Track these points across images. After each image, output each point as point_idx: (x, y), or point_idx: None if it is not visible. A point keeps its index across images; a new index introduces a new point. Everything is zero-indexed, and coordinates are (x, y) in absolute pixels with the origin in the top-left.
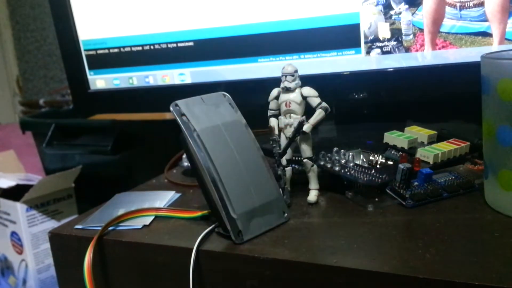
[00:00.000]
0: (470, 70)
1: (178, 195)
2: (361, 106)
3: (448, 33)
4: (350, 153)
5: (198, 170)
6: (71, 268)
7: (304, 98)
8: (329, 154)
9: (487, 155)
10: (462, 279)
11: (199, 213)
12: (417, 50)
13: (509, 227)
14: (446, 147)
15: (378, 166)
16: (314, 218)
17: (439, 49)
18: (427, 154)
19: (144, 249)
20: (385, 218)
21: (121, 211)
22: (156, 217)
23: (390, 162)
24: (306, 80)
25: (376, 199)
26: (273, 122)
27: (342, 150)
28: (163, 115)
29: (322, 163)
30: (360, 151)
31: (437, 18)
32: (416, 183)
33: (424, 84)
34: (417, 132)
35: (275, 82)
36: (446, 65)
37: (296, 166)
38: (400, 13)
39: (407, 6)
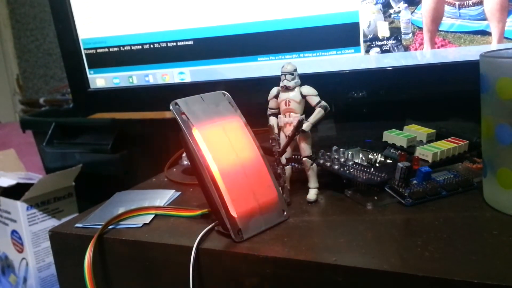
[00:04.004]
0: (469, 69)
1: (178, 193)
2: (360, 104)
3: (447, 31)
4: (349, 152)
5: (198, 168)
6: (71, 267)
7: (304, 97)
8: (328, 153)
9: (486, 154)
10: (461, 277)
11: (199, 212)
12: (416, 49)
13: (508, 225)
14: (445, 145)
15: (377, 164)
16: (313, 217)
17: (438, 47)
18: (426, 152)
19: (144, 247)
20: (384, 217)
21: (121, 210)
22: (156, 215)
23: (389, 161)
24: (306, 79)
25: (375, 198)
26: (272, 121)
27: (341, 149)
28: (163, 114)
29: (321, 161)
30: (359, 149)
31: (436, 17)
32: (415, 182)
33: (423, 82)
34: (416, 130)
35: (274, 81)
36: (445, 63)
37: (296, 165)
38: (399, 11)
39: (406, 5)
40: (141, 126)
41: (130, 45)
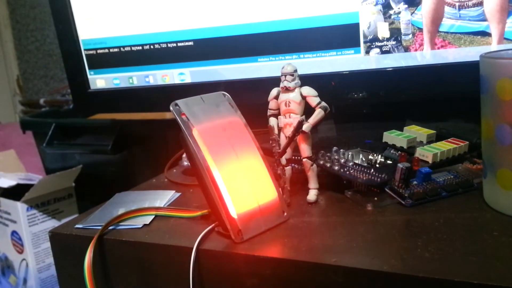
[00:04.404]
0: (469, 70)
1: (178, 194)
2: (360, 105)
3: (447, 32)
4: (350, 152)
5: (198, 169)
6: (71, 267)
7: (304, 97)
8: (328, 154)
9: (486, 154)
10: (461, 278)
11: (199, 212)
12: (416, 50)
13: (508, 226)
14: (445, 146)
15: (377, 165)
16: (313, 217)
17: (438, 48)
18: (426, 153)
19: (144, 248)
20: (384, 217)
21: (121, 211)
22: (156, 216)
23: (389, 161)
24: (306, 80)
25: (375, 198)
26: (272, 121)
27: (341, 150)
28: (163, 115)
29: (321, 162)
30: (359, 150)
31: (436, 18)
32: (415, 182)
33: (423, 83)
34: (416, 131)
35: (274, 81)
36: (445, 64)
37: (296, 166)
38: (399, 12)
39: (406, 6)
40: (141, 127)
41: (130, 46)
